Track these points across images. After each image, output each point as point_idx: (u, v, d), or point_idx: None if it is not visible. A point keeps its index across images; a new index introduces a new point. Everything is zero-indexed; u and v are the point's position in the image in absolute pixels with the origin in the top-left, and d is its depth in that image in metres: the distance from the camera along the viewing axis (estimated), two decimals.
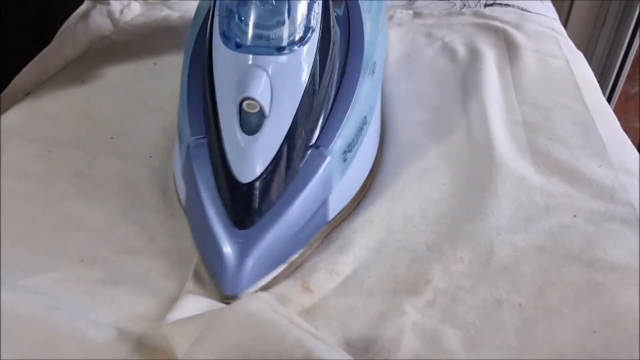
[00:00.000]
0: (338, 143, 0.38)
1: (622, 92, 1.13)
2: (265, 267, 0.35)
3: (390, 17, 0.71)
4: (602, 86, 0.81)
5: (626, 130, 0.48)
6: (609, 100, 1.11)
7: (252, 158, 0.35)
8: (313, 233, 0.38)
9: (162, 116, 0.53)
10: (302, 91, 0.36)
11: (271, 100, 0.35)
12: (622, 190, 0.40)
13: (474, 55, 0.60)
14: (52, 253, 0.39)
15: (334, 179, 0.38)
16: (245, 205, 0.35)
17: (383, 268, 0.36)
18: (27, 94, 0.58)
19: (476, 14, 0.70)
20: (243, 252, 0.34)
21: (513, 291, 0.34)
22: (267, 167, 0.35)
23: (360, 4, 0.45)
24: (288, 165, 0.36)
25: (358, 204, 0.42)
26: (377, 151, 0.46)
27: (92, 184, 0.45)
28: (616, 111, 0.51)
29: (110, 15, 0.75)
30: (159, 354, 0.32)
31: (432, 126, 0.50)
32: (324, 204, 0.38)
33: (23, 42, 0.66)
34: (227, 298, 0.34)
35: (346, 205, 0.41)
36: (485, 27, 0.66)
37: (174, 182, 0.42)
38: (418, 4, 0.75)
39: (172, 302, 0.34)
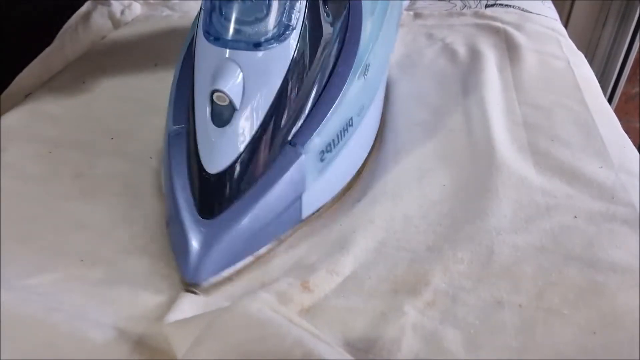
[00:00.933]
0: (315, 142, 0.38)
1: (623, 93, 1.13)
2: (229, 258, 0.36)
3: None
4: (603, 87, 0.81)
5: (627, 130, 0.48)
6: (609, 100, 1.11)
7: (220, 149, 0.35)
8: (284, 229, 0.39)
9: (163, 117, 0.52)
10: (278, 88, 0.36)
11: (243, 95, 0.35)
12: (623, 191, 0.40)
13: (475, 55, 0.60)
14: (52, 253, 0.39)
15: (309, 177, 0.38)
16: (212, 196, 0.36)
17: (383, 268, 0.36)
18: (27, 95, 0.59)
19: (477, 15, 0.70)
20: (206, 241, 0.34)
21: (513, 292, 0.34)
22: (236, 160, 0.35)
23: (362, 6, 0.45)
24: (259, 160, 0.36)
25: (358, 203, 0.42)
26: (371, 153, 0.46)
27: (92, 184, 0.45)
28: (617, 112, 0.51)
29: (111, 15, 0.75)
30: (159, 354, 0.32)
31: (432, 127, 0.50)
32: (296, 201, 0.38)
33: (24, 43, 0.66)
34: (189, 285, 0.35)
35: (325, 205, 0.41)
36: (485, 28, 0.66)
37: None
38: (419, 4, 0.76)
39: (172, 302, 0.34)
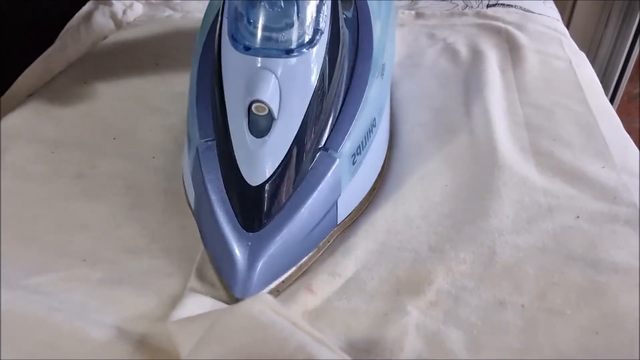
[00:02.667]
0: (347, 145, 0.38)
1: (625, 93, 1.13)
2: (275, 270, 0.35)
3: None
4: (605, 87, 0.81)
5: (628, 130, 0.47)
6: (611, 101, 1.11)
7: (261, 161, 0.35)
8: (323, 236, 0.38)
9: (165, 116, 0.53)
10: (311, 93, 0.36)
11: (280, 103, 0.35)
12: (625, 191, 0.40)
13: (477, 56, 0.60)
14: (54, 253, 0.39)
15: (343, 181, 0.38)
16: (255, 208, 0.35)
17: (385, 269, 0.36)
18: (30, 95, 0.59)
19: (478, 15, 0.70)
20: (253, 254, 0.34)
21: (516, 292, 0.34)
22: (276, 170, 0.35)
23: (369, 5, 0.45)
24: (297, 168, 0.36)
25: (367, 206, 0.42)
26: (386, 152, 0.46)
27: (94, 184, 0.45)
28: (619, 112, 0.51)
29: (112, 16, 0.75)
30: (161, 354, 0.32)
31: (434, 127, 0.50)
32: (333, 206, 0.38)
33: (26, 43, 0.66)
34: (238, 301, 0.34)
35: (355, 208, 0.40)
36: (487, 28, 0.66)
37: (183, 185, 0.42)
38: (420, 4, 0.75)
39: (174, 301, 0.34)
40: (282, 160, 0.35)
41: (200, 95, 0.41)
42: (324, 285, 0.35)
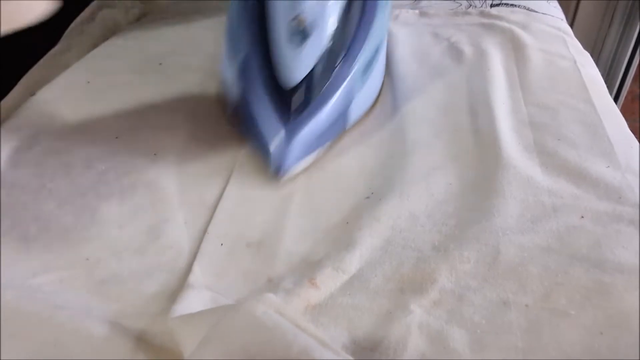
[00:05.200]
0: (361, 60, 0.48)
1: (629, 92, 1.12)
2: (302, 152, 0.45)
3: (396, 17, 0.71)
4: (609, 86, 0.81)
5: (633, 130, 0.47)
6: (615, 100, 1.11)
7: (295, 68, 0.45)
8: (337, 132, 0.49)
9: (167, 116, 0.53)
10: (341, 13, 0.46)
11: (317, 19, 0.44)
12: (630, 191, 0.40)
13: (481, 55, 0.60)
14: (57, 252, 0.39)
15: (356, 89, 0.48)
16: (288, 105, 0.45)
17: (389, 267, 0.36)
18: (33, 94, 0.59)
19: (482, 14, 0.70)
20: (287, 138, 0.44)
21: (520, 292, 0.34)
22: (307, 76, 0.45)
23: None
24: (322, 76, 0.46)
25: (366, 200, 0.42)
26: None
27: (98, 183, 0.45)
28: (623, 111, 0.50)
29: (115, 16, 0.75)
30: (162, 352, 0.32)
31: (438, 126, 0.50)
32: (347, 107, 0.48)
33: (30, 43, 0.67)
34: (276, 175, 0.44)
35: (362, 116, 0.51)
36: (491, 27, 0.66)
37: (224, 92, 0.53)
38: (424, 3, 0.75)
39: (174, 298, 0.34)
40: (312, 69, 0.45)
41: (243, 13, 0.50)
42: (328, 280, 0.35)
